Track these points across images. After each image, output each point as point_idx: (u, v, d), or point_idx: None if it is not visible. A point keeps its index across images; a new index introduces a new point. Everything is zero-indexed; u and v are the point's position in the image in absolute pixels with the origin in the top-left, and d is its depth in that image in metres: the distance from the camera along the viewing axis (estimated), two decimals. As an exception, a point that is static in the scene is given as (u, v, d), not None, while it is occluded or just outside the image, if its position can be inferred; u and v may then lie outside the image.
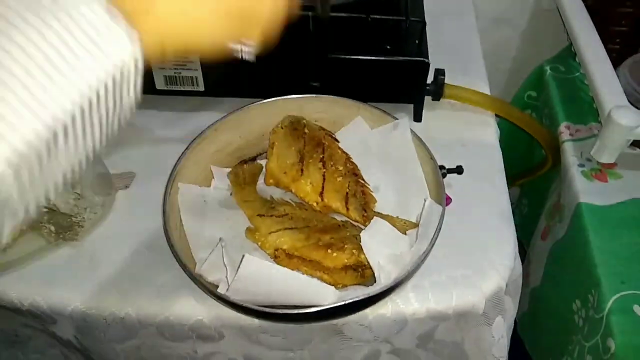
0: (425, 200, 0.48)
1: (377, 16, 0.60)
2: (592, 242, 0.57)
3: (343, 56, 0.60)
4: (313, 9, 0.60)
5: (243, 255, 0.42)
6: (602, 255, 0.56)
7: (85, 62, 0.25)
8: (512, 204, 0.98)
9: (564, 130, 0.69)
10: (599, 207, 0.60)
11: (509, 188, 0.92)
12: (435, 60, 0.65)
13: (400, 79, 0.61)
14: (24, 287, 0.51)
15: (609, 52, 0.71)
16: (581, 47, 0.68)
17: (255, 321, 0.48)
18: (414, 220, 0.52)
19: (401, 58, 0.59)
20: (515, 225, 0.95)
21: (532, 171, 0.83)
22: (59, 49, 0.24)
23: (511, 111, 0.67)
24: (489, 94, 0.70)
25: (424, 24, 0.61)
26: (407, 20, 0.60)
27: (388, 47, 0.59)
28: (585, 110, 0.70)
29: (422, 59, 0.59)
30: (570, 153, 0.66)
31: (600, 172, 0.64)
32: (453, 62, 0.73)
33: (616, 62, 0.68)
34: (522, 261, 0.78)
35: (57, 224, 0.54)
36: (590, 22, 0.71)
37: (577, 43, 0.70)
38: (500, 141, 0.89)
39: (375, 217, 0.49)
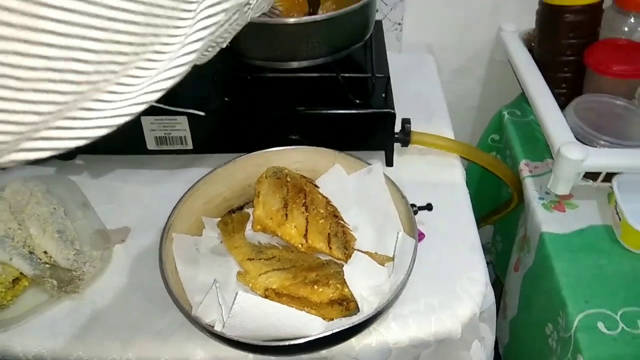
0: (398, 234, 0.53)
1: (346, 74, 0.67)
2: (556, 268, 0.62)
3: (317, 111, 0.66)
4: (291, 71, 0.68)
5: (237, 293, 0.46)
6: (566, 278, 0.61)
7: None
8: (487, 242, 1.05)
9: (524, 167, 0.76)
10: (560, 235, 0.66)
11: (482, 227, 0.98)
12: (402, 110, 0.72)
13: (371, 129, 0.68)
14: (29, 340, 0.54)
15: (558, 95, 0.79)
16: (531, 94, 0.76)
17: (250, 356, 0.52)
18: (390, 255, 0.56)
19: (370, 110, 0.66)
20: (491, 261, 1.01)
21: (501, 209, 0.89)
22: None
23: (475, 153, 0.73)
24: (453, 138, 0.77)
25: (388, 79, 0.68)
26: (373, 76, 0.67)
27: (357, 101, 0.66)
28: (541, 148, 0.77)
29: (388, 110, 0.66)
30: (531, 188, 0.73)
31: (558, 203, 0.70)
32: (419, 111, 0.80)
33: (564, 104, 0.76)
34: (499, 294, 0.83)
35: (58, 278, 0.57)
36: (538, 71, 0.80)
37: (527, 90, 0.78)
38: (470, 183, 0.95)
39: (355, 252, 0.54)
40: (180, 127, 0.68)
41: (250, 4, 0.37)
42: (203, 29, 0.31)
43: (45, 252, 0.59)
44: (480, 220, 0.99)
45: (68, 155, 0.72)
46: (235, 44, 0.65)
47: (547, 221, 0.67)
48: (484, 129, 0.93)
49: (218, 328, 0.48)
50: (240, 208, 0.66)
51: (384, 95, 0.68)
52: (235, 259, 0.59)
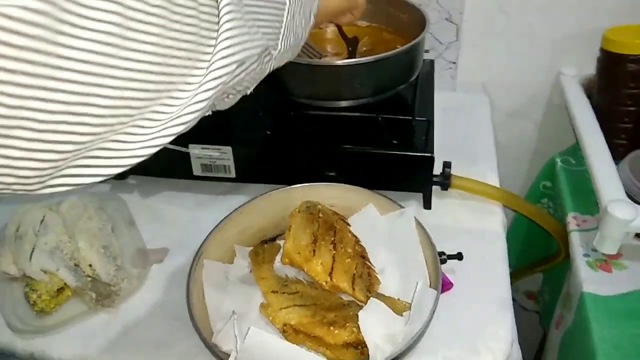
0: (417, 284, 0.52)
1: (387, 115, 0.68)
2: (594, 332, 0.59)
3: (354, 149, 0.67)
4: (333, 109, 0.69)
5: (249, 328, 0.47)
6: (604, 345, 0.58)
7: None
8: (535, 291, 1.00)
9: (572, 220, 0.72)
10: (602, 297, 0.62)
11: (530, 274, 0.94)
12: (446, 151, 0.72)
13: (408, 171, 0.67)
14: (64, 347, 0.58)
15: (616, 147, 0.75)
16: (584, 142, 0.73)
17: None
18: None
19: (407, 153, 0.66)
20: (537, 312, 0.96)
21: (548, 260, 0.85)
22: None
23: (516, 201, 0.71)
24: (498, 184, 0.75)
25: (429, 122, 0.68)
26: (413, 119, 0.67)
27: (395, 142, 0.66)
28: (592, 201, 0.73)
29: (427, 154, 0.66)
30: (576, 243, 0.69)
31: (605, 262, 0.66)
32: (464, 153, 0.79)
33: (623, 156, 0.72)
34: (541, 350, 0.79)
35: (97, 291, 0.62)
36: (594, 120, 0.76)
37: (581, 138, 0.74)
38: (520, 227, 0.92)
39: (372, 298, 0.54)
40: (225, 156, 0.71)
41: (271, 55, 0.39)
42: (215, 79, 0.33)
43: (90, 266, 0.64)
44: (528, 268, 0.95)
45: (121, 175, 0.77)
46: (281, 82, 0.68)
47: (590, 280, 0.64)
48: (538, 173, 0.90)
49: (232, 359, 0.50)
50: (273, 239, 0.67)
51: (424, 138, 0.68)
52: (260, 290, 0.60)
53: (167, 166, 0.74)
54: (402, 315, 0.53)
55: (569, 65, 0.88)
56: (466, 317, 0.57)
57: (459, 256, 0.60)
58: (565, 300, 0.71)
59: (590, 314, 0.61)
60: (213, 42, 0.33)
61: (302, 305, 0.56)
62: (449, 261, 0.61)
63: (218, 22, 0.32)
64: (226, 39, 0.33)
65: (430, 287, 0.55)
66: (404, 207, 0.63)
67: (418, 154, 0.66)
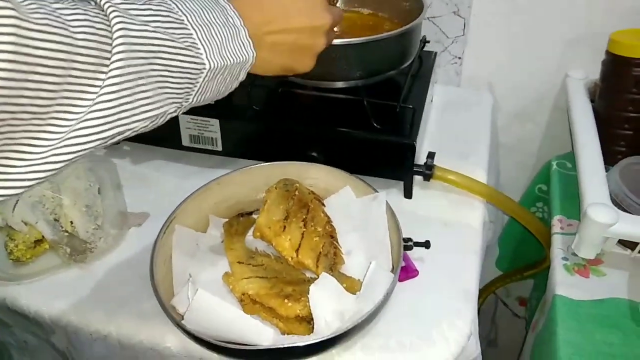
0: (370, 264, 0.52)
1: (373, 100, 0.67)
2: (559, 335, 0.57)
3: (339, 131, 0.67)
4: (320, 89, 0.69)
5: (197, 290, 0.48)
6: (568, 348, 0.56)
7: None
8: (527, 297, 0.98)
9: (556, 223, 0.70)
10: (575, 301, 0.60)
11: (520, 279, 0.93)
12: (439, 144, 0.71)
13: (390, 158, 0.67)
14: (33, 297, 0.60)
15: (614, 153, 0.73)
16: (577, 144, 0.71)
17: (215, 356, 0.53)
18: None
19: (387, 138, 0.65)
20: (526, 318, 0.94)
21: (536, 265, 0.83)
22: None
23: (499, 198, 0.70)
24: (485, 181, 0.73)
25: (415, 110, 0.67)
26: (398, 105, 0.67)
27: (378, 127, 0.66)
28: (582, 206, 0.72)
29: (409, 141, 0.65)
30: (557, 245, 0.67)
31: (584, 267, 0.64)
32: (457, 148, 0.78)
33: (621, 163, 0.70)
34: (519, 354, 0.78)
35: (73, 247, 0.63)
36: (592, 123, 0.74)
37: (574, 141, 0.72)
38: (515, 231, 0.90)
39: (323, 273, 0.54)
40: (212, 128, 0.72)
41: (181, 107, 0.41)
42: (66, 153, 0.33)
43: (71, 222, 0.66)
44: (518, 272, 0.93)
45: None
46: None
47: (564, 284, 0.62)
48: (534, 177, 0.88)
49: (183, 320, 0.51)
50: (249, 214, 0.68)
51: (409, 126, 0.67)
52: (227, 260, 0.61)
53: (159, 135, 0.76)
54: (356, 295, 0.53)
55: (576, 68, 0.86)
56: (427, 306, 0.57)
57: (426, 244, 0.59)
58: (543, 305, 0.70)
59: (559, 317, 0.59)
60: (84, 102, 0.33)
61: (264, 277, 0.57)
62: (418, 250, 0.60)
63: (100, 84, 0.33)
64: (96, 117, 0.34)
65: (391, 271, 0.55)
66: (377, 192, 0.62)
67: (399, 141, 0.65)
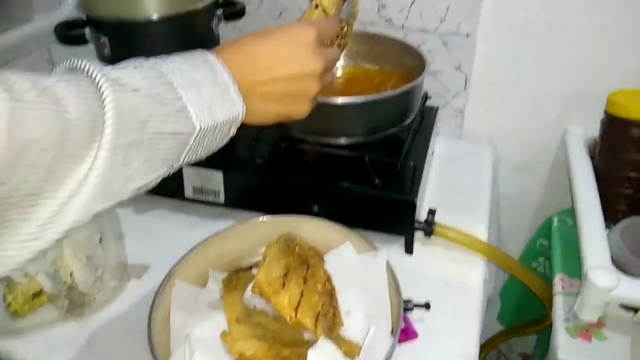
0: (369, 328, 0.52)
1: (375, 157, 0.68)
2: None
3: (341, 186, 0.68)
4: (324, 145, 0.70)
5: (194, 352, 0.47)
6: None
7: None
8: (529, 354, 0.97)
9: (558, 282, 0.70)
10: (577, 366, 0.59)
11: (522, 335, 0.91)
12: (440, 198, 0.72)
13: (391, 214, 0.67)
14: (29, 351, 0.59)
15: (615, 213, 0.73)
16: (578, 203, 0.71)
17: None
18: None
19: (390, 195, 0.66)
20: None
21: (537, 322, 0.82)
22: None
23: (501, 257, 0.70)
24: (486, 237, 0.73)
25: (415, 167, 0.67)
26: (399, 162, 0.68)
27: (380, 184, 0.66)
28: (583, 265, 0.71)
29: (409, 198, 0.65)
30: (559, 306, 0.67)
31: (586, 330, 0.63)
32: (458, 203, 0.79)
33: (622, 223, 0.70)
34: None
35: (71, 299, 0.63)
36: (593, 182, 0.75)
37: (575, 199, 0.73)
38: (517, 286, 0.90)
39: (322, 337, 0.53)
40: (215, 180, 0.73)
41: (173, 168, 0.41)
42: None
43: (71, 274, 0.65)
44: (519, 329, 0.92)
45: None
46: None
47: (566, 348, 0.62)
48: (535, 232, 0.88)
49: (180, 382, 0.50)
50: (249, 269, 0.68)
51: (410, 183, 0.68)
52: (225, 317, 0.60)
53: (163, 186, 0.76)
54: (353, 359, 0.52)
55: (576, 124, 0.87)
56: (426, 370, 0.56)
57: (426, 306, 0.59)
58: (546, 366, 0.69)
59: (561, 383, 0.58)
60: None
61: (261, 338, 0.56)
62: (418, 310, 0.60)
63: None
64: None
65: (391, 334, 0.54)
66: (377, 249, 0.62)
67: (400, 198, 0.66)
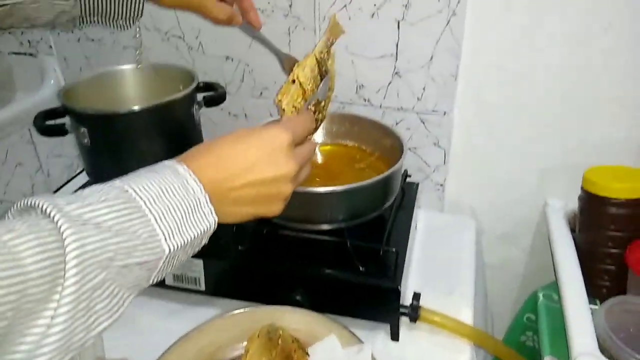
0: None
1: (357, 242, 0.68)
2: None
3: (323, 274, 0.67)
4: (305, 231, 0.70)
5: None
6: None
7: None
8: None
9: (547, 365, 0.69)
10: None
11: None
12: (424, 276, 0.71)
13: (375, 301, 0.66)
14: None
15: (598, 288, 0.73)
16: (561, 284, 0.71)
17: None
18: None
19: (372, 282, 0.65)
20: None
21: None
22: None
23: (487, 341, 0.69)
24: (471, 318, 0.73)
25: (398, 253, 0.67)
26: (382, 248, 0.67)
27: (363, 270, 0.66)
28: (571, 346, 0.70)
29: (393, 285, 0.65)
30: (549, 392, 0.65)
31: (577, 419, 0.62)
32: (441, 282, 0.78)
33: (605, 297, 0.70)
34: None
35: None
36: (575, 259, 0.75)
37: (559, 278, 0.73)
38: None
39: None
40: (195, 268, 0.72)
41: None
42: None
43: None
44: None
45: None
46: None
47: None
48: (521, 305, 0.87)
49: None
50: (232, 361, 0.66)
51: (393, 268, 0.67)
52: (206, 419, 0.58)
53: (141, 272, 0.75)
54: None
55: (555, 196, 0.88)
56: None
57: (414, 403, 0.57)
58: None
59: None
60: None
61: None
62: (405, 405, 0.58)
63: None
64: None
65: None
66: (363, 342, 0.61)
67: (384, 285, 0.65)
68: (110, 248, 0.35)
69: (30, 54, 1.02)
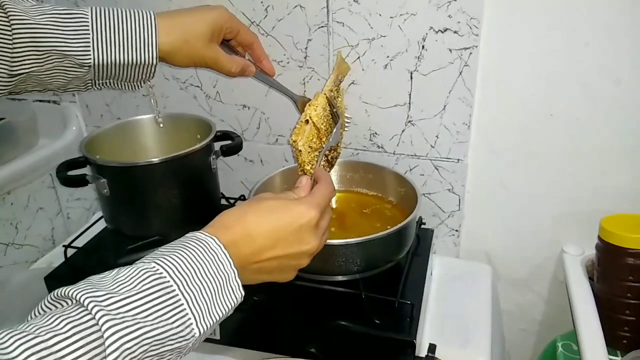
0: None
1: (372, 294, 0.68)
2: None
3: (338, 326, 0.67)
4: (319, 282, 0.70)
5: None
6: None
7: None
8: None
9: (568, 420, 0.67)
10: None
11: None
12: (440, 325, 0.71)
13: (390, 353, 0.66)
14: None
15: (618, 338, 0.73)
16: (580, 336, 0.70)
17: None
18: None
19: (387, 335, 0.65)
20: None
21: None
22: None
23: (505, 396, 0.67)
24: (488, 370, 0.72)
25: (413, 306, 0.67)
26: (397, 300, 0.67)
27: (378, 322, 0.66)
28: (592, 400, 0.69)
29: (408, 338, 0.64)
30: None
31: None
32: (457, 331, 0.77)
33: (626, 348, 0.69)
34: None
35: None
36: (593, 309, 0.74)
37: (577, 329, 0.72)
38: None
39: None
40: (211, 317, 0.72)
41: None
42: None
43: None
44: None
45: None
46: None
47: None
48: (540, 353, 0.86)
49: None
50: (246, 414, 0.65)
51: (408, 320, 0.67)
52: None
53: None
54: None
55: (571, 242, 0.87)
56: None
57: None
58: None
59: None
60: None
61: None
62: None
63: None
64: None
65: None
66: (379, 398, 0.60)
67: (399, 337, 0.65)
68: (147, 342, 0.36)
69: (54, 102, 1.05)
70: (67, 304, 0.36)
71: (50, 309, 0.37)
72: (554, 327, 0.92)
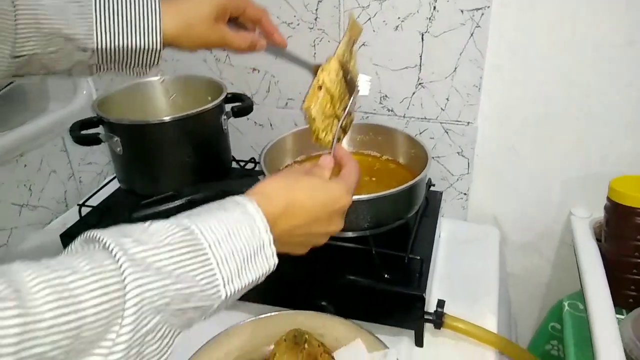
0: None
1: (382, 250, 0.69)
2: None
3: (349, 281, 0.68)
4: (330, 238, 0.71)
5: None
6: None
7: None
8: None
9: (573, 375, 0.69)
10: None
11: None
12: (448, 285, 0.72)
13: (399, 308, 0.67)
14: None
15: (625, 297, 0.73)
16: (587, 294, 0.71)
17: None
18: None
19: (397, 289, 0.66)
20: None
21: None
22: None
23: (511, 349, 0.69)
24: (495, 326, 0.73)
25: (423, 261, 0.68)
26: (406, 255, 0.68)
27: (388, 277, 0.67)
28: (597, 355, 0.70)
29: (417, 292, 0.66)
30: (575, 402, 0.65)
31: None
32: (465, 290, 0.79)
33: (631, 307, 0.70)
34: None
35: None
36: (601, 269, 0.75)
37: (584, 288, 0.73)
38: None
39: None
40: (224, 273, 0.73)
41: None
42: None
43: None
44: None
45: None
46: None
47: None
48: (546, 314, 0.87)
49: None
50: (259, 364, 0.67)
51: (417, 275, 0.68)
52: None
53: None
54: None
55: (579, 206, 0.88)
56: None
57: (438, 408, 0.58)
58: None
59: None
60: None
61: None
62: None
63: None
64: None
65: None
66: (388, 348, 0.62)
67: (409, 292, 0.66)
68: (169, 294, 0.35)
69: (65, 66, 1.05)
70: (95, 247, 0.36)
71: (79, 250, 0.37)
72: (560, 290, 0.93)
